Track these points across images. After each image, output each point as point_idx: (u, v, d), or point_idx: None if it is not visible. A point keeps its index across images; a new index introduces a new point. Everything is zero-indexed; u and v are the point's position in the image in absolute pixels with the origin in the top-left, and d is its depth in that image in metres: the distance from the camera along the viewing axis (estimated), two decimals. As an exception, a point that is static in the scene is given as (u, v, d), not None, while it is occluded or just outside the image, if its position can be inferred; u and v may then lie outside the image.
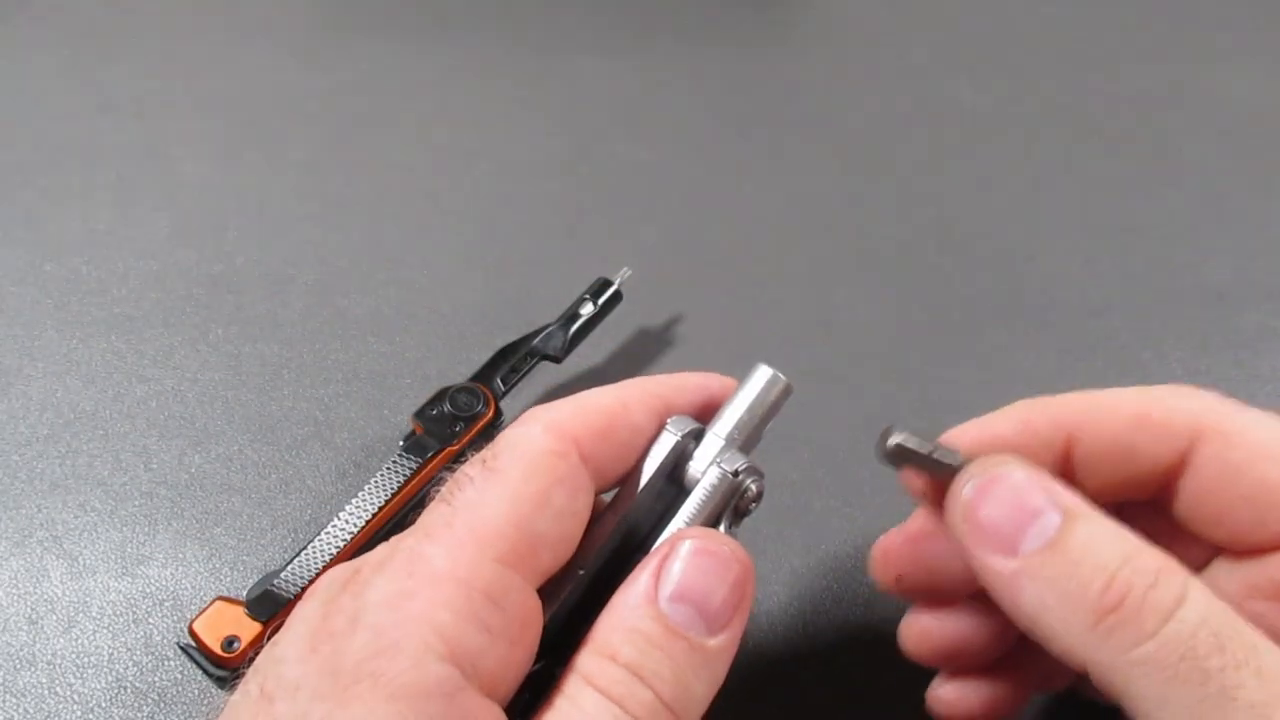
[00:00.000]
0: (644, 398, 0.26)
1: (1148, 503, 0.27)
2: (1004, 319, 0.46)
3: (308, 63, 0.56)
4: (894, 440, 0.26)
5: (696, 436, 0.27)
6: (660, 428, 0.26)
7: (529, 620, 0.23)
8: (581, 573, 0.25)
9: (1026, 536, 0.23)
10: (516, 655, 0.23)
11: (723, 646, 0.23)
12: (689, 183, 0.51)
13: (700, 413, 0.27)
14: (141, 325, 0.43)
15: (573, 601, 0.25)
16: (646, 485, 0.26)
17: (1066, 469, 0.26)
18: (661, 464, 0.26)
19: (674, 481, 0.27)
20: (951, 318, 0.46)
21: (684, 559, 0.23)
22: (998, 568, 0.23)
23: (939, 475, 0.26)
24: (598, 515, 0.26)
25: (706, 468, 0.26)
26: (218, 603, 0.33)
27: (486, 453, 0.24)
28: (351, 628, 0.22)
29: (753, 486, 0.26)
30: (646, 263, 0.44)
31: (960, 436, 0.27)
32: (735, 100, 0.56)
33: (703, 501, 0.26)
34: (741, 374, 0.28)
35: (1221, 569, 0.26)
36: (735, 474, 0.26)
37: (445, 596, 0.22)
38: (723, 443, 0.27)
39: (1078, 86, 0.58)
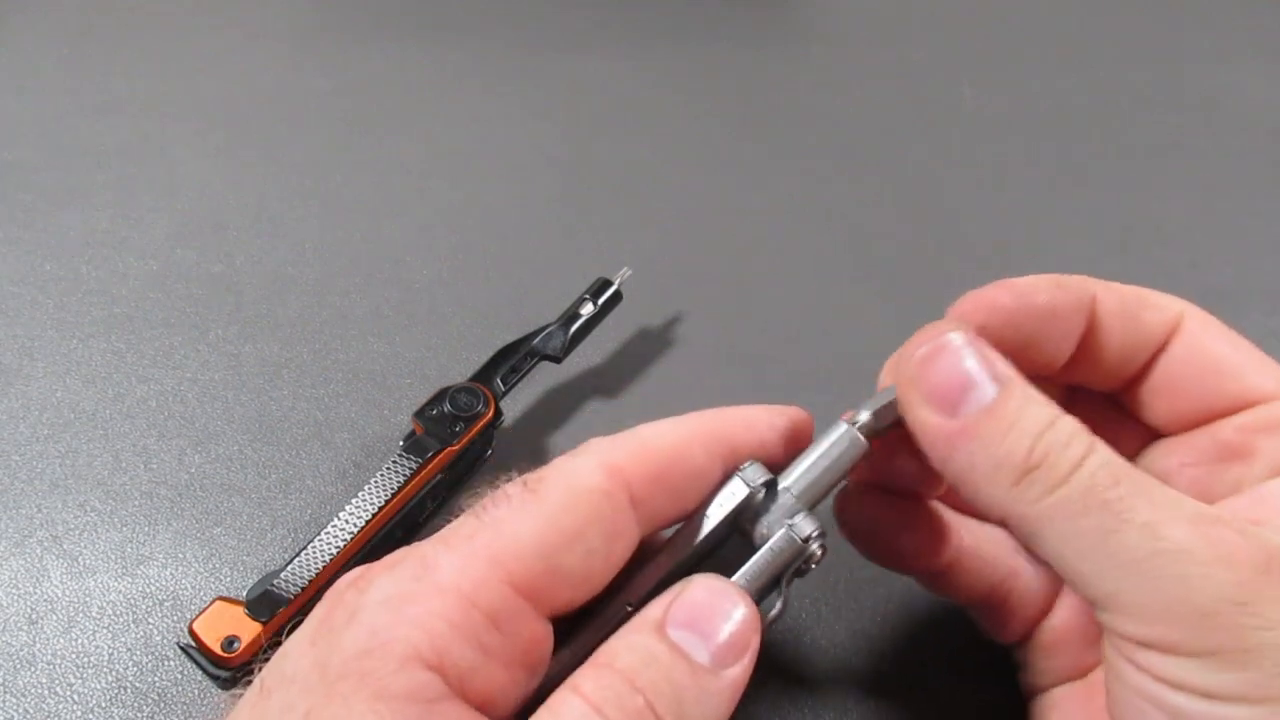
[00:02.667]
0: (708, 440, 0.26)
1: (1102, 395, 0.31)
2: (1004, 319, 0.46)
3: (307, 63, 0.56)
4: (863, 419, 0.27)
5: (768, 486, 0.26)
6: (729, 473, 0.26)
7: (532, 647, 0.23)
8: (629, 609, 0.25)
9: (967, 401, 0.25)
10: (514, 679, 0.23)
11: (726, 682, 0.23)
12: (689, 183, 0.51)
13: (767, 450, 0.27)
14: (141, 325, 0.43)
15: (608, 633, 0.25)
16: (708, 534, 0.26)
17: (1090, 324, 0.30)
18: (727, 516, 0.26)
19: (739, 529, 0.26)
20: (951, 318, 0.46)
21: (694, 593, 0.24)
22: (938, 425, 0.25)
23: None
24: (653, 551, 0.26)
25: (776, 529, 0.26)
26: (218, 603, 0.33)
27: (533, 475, 0.24)
28: (348, 623, 0.22)
29: (818, 551, 0.26)
30: (646, 263, 0.44)
31: (1009, 288, 0.30)
32: (735, 100, 0.56)
33: (768, 563, 0.25)
34: (772, 399, 0.28)
35: (1158, 450, 0.30)
36: (805, 540, 0.26)
37: (445, 607, 0.22)
38: (794, 501, 0.26)
39: (1078, 86, 0.58)
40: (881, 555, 0.31)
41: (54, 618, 0.35)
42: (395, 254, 0.47)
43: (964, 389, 0.25)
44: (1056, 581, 0.31)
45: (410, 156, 0.52)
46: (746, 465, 0.26)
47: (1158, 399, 0.29)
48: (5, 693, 0.33)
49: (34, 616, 0.35)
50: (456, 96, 0.55)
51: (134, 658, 0.34)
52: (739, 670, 0.23)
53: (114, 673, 0.34)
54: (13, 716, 0.33)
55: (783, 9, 0.63)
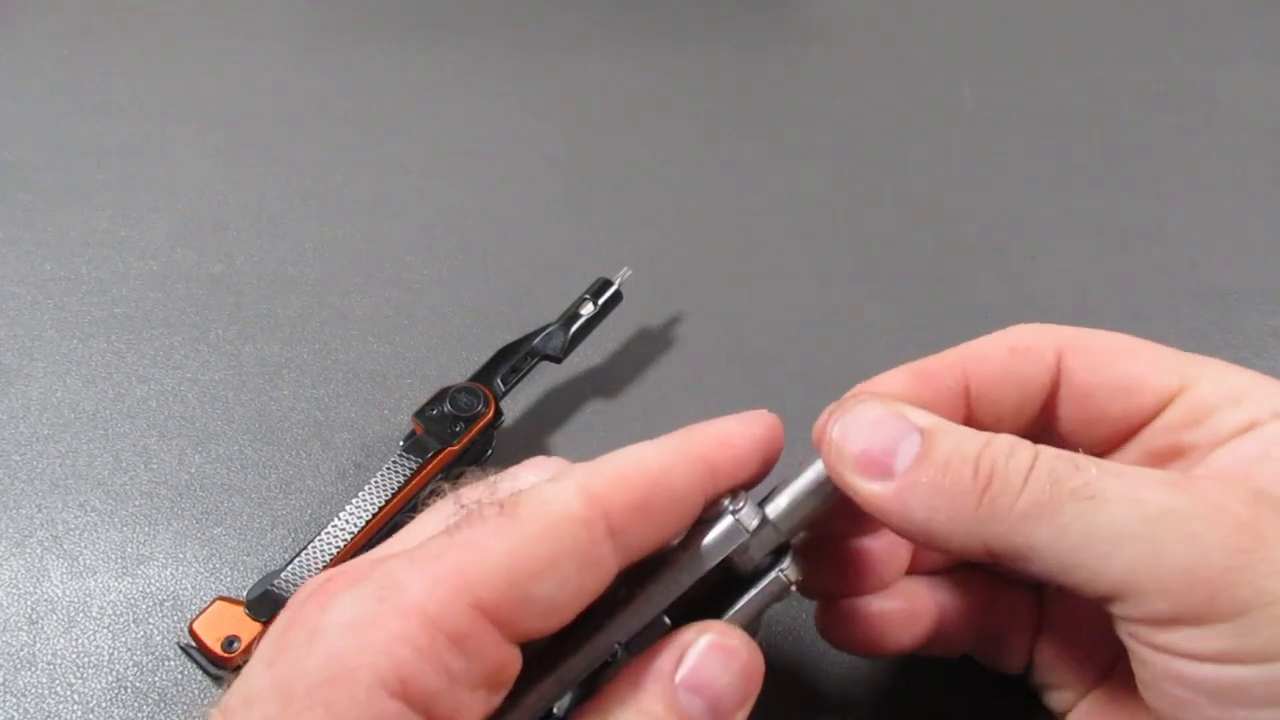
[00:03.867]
0: (688, 464, 0.25)
1: (1038, 434, 0.29)
2: (1004, 319, 0.46)
3: (307, 63, 0.56)
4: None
5: (761, 521, 0.26)
6: (717, 506, 0.26)
7: (498, 671, 0.22)
8: (619, 649, 0.25)
9: (898, 457, 0.25)
10: (479, 701, 0.22)
11: None
12: (689, 183, 0.51)
13: (742, 465, 0.26)
14: (141, 325, 0.43)
15: (593, 668, 0.25)
16: (703, 576, 0.25)
17: (969, 407, 0.28)
18: (723, 559, 0.25)
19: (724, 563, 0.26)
20: (951, 317, 0.46)
21: (702, 652, 0.24)
22: (880, 490, 0.25)
23: (820, 497, 0.27)
24: (634, 579, 0.25)
25: (765, 568, 0.26)
26: (218, 603, 0.33)
27: (510, 496, 0.23)
28: (309, 645, 0.21)
29: (795, 586, 0.26)
30: (646, 263, 0.44)
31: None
32: (735, 100, 0.56)
33: (759, 604, 0.26)
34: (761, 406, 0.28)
35: None
36: (793, 584, 0.26)
37: (410, 631, 0.21)
38: (777, 535, 0.26)
39: (1078, 86, 0.58)
40: (876, 648, 0.30)
41: (54, 618, 0.35)
42: (395, 254, 0.47)
43: (891, 447, 0.25)
44: (1034, 600, 0.31)
45: (410, 156, 0.52)
46: (740, 503, 0.25)
47: (1076, 434, 0.29)
48: (5, 693, 0.33)
49: (34, 616, 0.35)
50: (456, 96, 0.55)
51: (134, 658, 0.34)
52: None
53: (114, 673, 0.34)
54: (13, 716, 0.33)
55: (783, 9, 0.63)
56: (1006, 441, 0.24)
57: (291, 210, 0.49)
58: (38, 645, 0.34)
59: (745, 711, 0.24)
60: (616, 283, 0.41)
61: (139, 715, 0.33)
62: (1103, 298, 0.47)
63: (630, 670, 0.24)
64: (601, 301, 0.41)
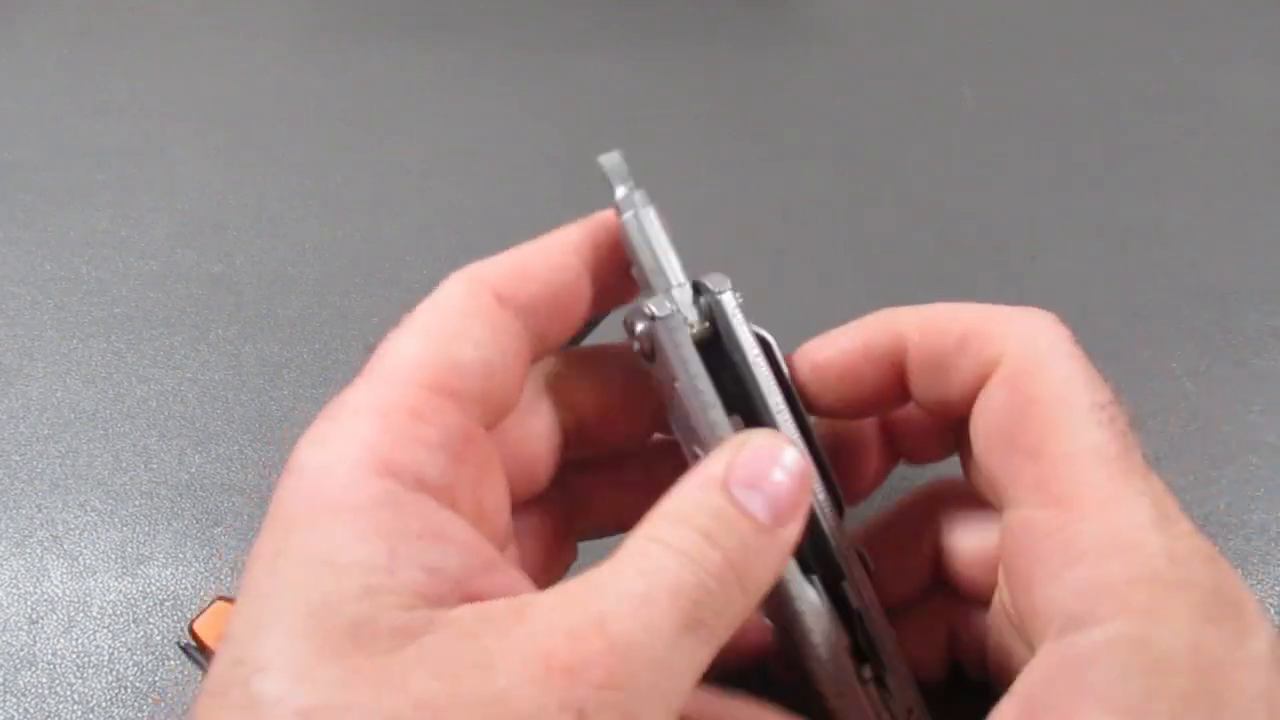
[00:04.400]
0: (565, 237, 0.28)
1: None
2: (1004, 319, 0.46)
3: (307, 63, 0.56)
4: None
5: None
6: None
7: (472, 441, 0.24)
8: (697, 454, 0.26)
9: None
10: (468, 473, 0.23)
11: (786, 539, 0.23)
12: (689, 182, 0.51)
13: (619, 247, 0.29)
14: (141, 325, 0.43)
15: None
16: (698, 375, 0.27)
17: (900, 378, 0.28)
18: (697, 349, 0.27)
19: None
20: (951, 318, 0.46)
21: (755, 452, 0.24)
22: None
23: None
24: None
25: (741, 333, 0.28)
26: (218, 603, 0.33)
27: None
28: (288, 476, 0.22)
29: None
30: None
31: (814, 353, 0.30)
32: (735, 100, 0.56)
33: (767, 377, 0.28)
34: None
35: None
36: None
37: (368, 423, 0.22)
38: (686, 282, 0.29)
39: (1078, 86, 0.58)
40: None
41: (54, 618, 0.35)
42: (395, 254, 0.47)
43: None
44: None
45: (410, 156, 0.52)
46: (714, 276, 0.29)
47: (983, 453, 0.26)
48: (5, 693, 0.33)
49: (34, 616, 0.35)
50: (456, 96, 0.55)
51: (134, 658, 0.34)
52: (795, 528, 0.24)
53: (114, 673, 0.34)
54: (13, 716, 0.33)
55: (783, 9, 0.63)
56: None
57: (291, 210, 0.49)
58: (38, 645, 0.34)
59: (798, 525, 0.24)
60: (616, 283, 0.41)
61: (139, 715, 0.33)
62: (1103, 298, 0.47)
63: (687, 478, 0.24)
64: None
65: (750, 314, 0.29)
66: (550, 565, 0.30)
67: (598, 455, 0.30)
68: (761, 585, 0.23)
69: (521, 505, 0.28)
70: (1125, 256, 0.49)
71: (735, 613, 0.22)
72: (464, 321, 0.25)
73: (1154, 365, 0.44)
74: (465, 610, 0.21)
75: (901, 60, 0.59)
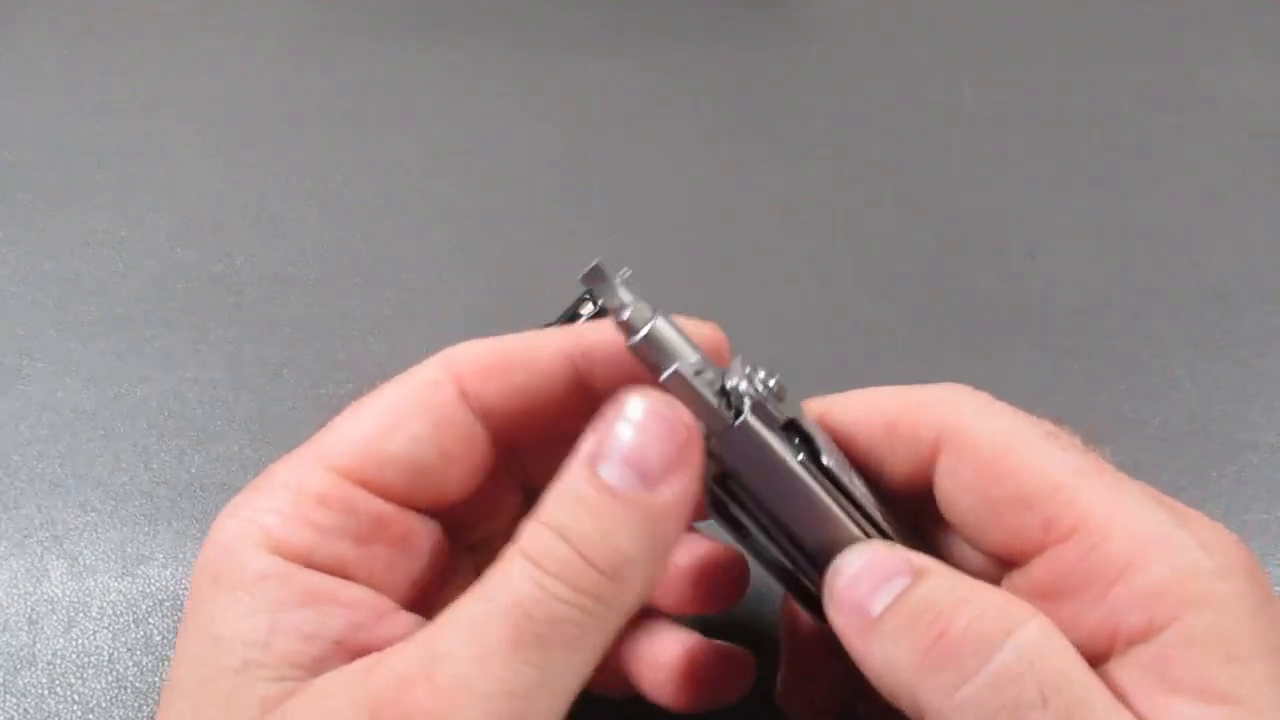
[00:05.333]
0: (555, 340, 0.27)
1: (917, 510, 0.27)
2: (1004, 319, 0.46)
3: (308, 63, 0.56)
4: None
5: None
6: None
7: (380, 527, 0.25)
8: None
9: (876, 600, 0.23)
10: (376, 553, 0.24)
11: (663, 503, 0.22)
12: (689, 183, 0.51)
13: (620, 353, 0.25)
14: (141, 325, 0.43)
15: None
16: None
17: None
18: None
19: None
20: (951, 318, 0.46)
21: (624, 417, 0.23)
22: (854, 630, 0.23)
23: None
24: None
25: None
26: (218, 603, 0.33)
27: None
28: (204, 546, 0.24)
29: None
30: (646, 263, 0.44)
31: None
32: (735, 100, 0.56)
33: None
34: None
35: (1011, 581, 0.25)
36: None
37: (274, 502, 0.24)
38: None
39: (1078, 86, 0.58)
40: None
41: (54, 618, 0.35)
42: (395, 254, 0.47)
43: (875, 588, 0.23)
44: None
45: (410, 156, 0.52)
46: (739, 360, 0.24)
47: (960, 530, 0.25)
48: (5, 693, 0.33)
49: (34, 616, 0.35)
50: (456, 96, 0.55)
51: (134, 658, 0.34)
52: (678, 487, 0.22)
53: (114, 673, 0.34)
54: (13, 716, 0.33)
55: (783, 9, 0.63)
56: (985, 601, 0.22)
57: (291, 210, 0.49)
58: (38, 645, 0.34)
59: (681, 483, 0.22)
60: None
61: (139, 715, 0.33)
62: (1103, 298, 0.47)
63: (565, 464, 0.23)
64: (601, 301, 0.40)
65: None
66: None
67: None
68: (641, 565, 0.22)
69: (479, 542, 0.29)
70: (1125, 256, 0.49)
71: (601, 603, 0.21)
72: (410, 412, 0.25)
73: (1154, 365, 0.44)
74: (326, 676, 0.22)
75: (901, 60, 0.59)
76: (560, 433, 0.25)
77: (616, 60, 0.58)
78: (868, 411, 0.26)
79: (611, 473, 0.22)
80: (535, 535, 0.22)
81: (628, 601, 0.22)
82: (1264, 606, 0.21)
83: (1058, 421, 0.25)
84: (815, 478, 0.24)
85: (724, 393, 0.24)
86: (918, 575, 0.23)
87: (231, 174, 0.50)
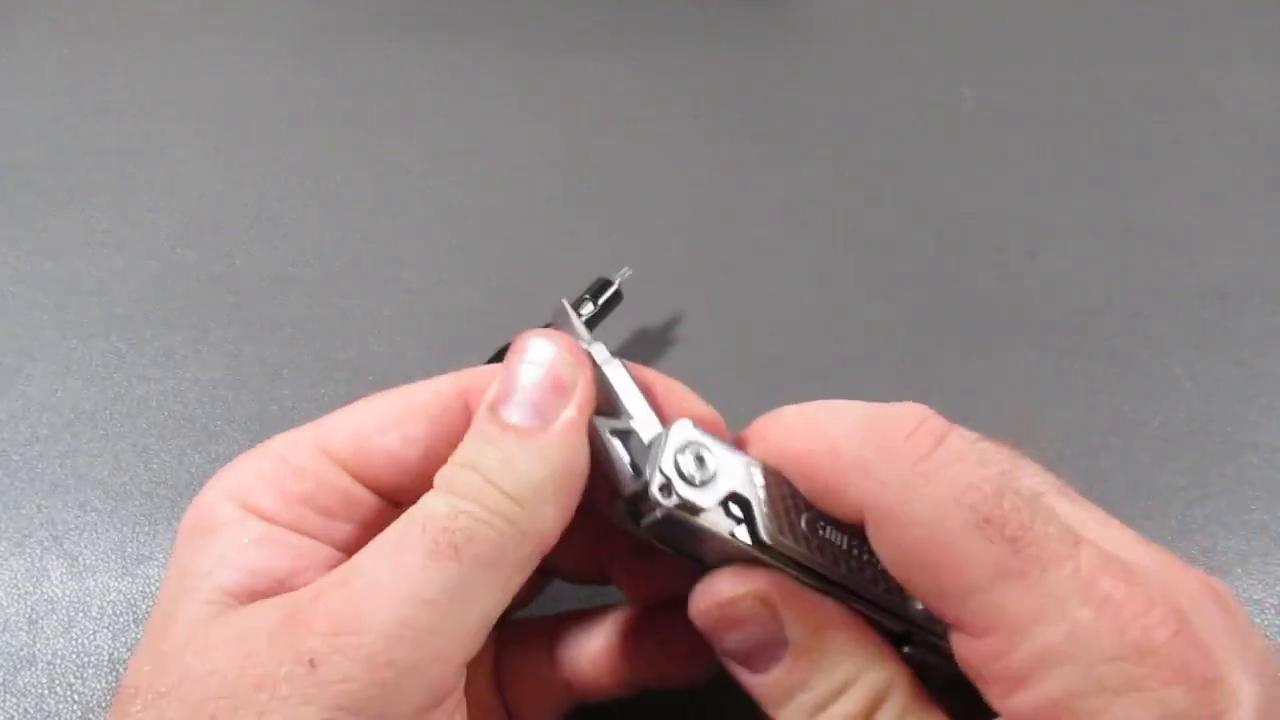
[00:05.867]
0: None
1: None
2: (1004, 319, 0.46)
3: (308, 63, 0.56)
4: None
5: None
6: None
7: (346, 505, 0.26)
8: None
9: (755, 664, 0.24)
10: (337, 529, 0.26)
11: (557, 431, 0.24)
12: (689, 183, 0.51)
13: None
14: (141, 325, 0.43)
15: None
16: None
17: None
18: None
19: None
20: (951, 318, 0.46)
21: (517, 359, 0.25)
22: (741, 677, 0.25)
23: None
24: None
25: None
26: (218, 603, 0.33)
27: None
28: (193, 499, 0.26)
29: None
30: (646, 263, 0.44)
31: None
32: (735, 100, 0.56)
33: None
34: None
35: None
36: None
37: (254, 464, 0.26)
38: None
39: (1078, 86, 0.58)
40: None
41: (54, 618, 0.35)
42: (395, 254, 0.47)
43: (754, 651, 0.24)
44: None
45: (410, 156, 0.52)
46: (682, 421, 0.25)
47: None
48: (5, 693, 0.33)
49: (34, 616, 0.35)
50: (456, 96, 0.55)
51: (134, 658, 0.34)
52: (571, 413, 0.24)
53: (114, 673, 0.34)
54: (13, 716, 0.33)
55: (783, 9, 0.63)
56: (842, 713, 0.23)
57: (291, 210, 0.49)
58: (38, 645, 0.34)
59: (572, 410, 0.25)
60: (616, 283, 0.41)
61: (139, 715, 0.33)
62: (1103, 298, 0.47)
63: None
64: (601, 301, 0.41)
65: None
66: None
67: None
68: (548, 487, 0.24)
69: None
70: (1125, 256, 0.49)
71: (510, 523, 0.23)
72: (410, 413, 0.26)
73: (1154, 365, 0.44)
74: (260, 601, 0.23)
75: (901, 60, 0.59)
76: None
77: (616, 60, 0.58)
78: (799, 465, 0.25)
79: (511, 412, 0.24)
80: (446, 471, 0.24)
81: (538, 528, 0.24)
82: (1174, 718, 0.20)
83: (1017, 449, 0.24)
84: (750, 549, 0.24)
85: (638, 470, 0.24)
86: (791, 654, 0.24)
87: (231, 174, 0.50)
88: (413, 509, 0.24)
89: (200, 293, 0.45)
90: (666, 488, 0.23)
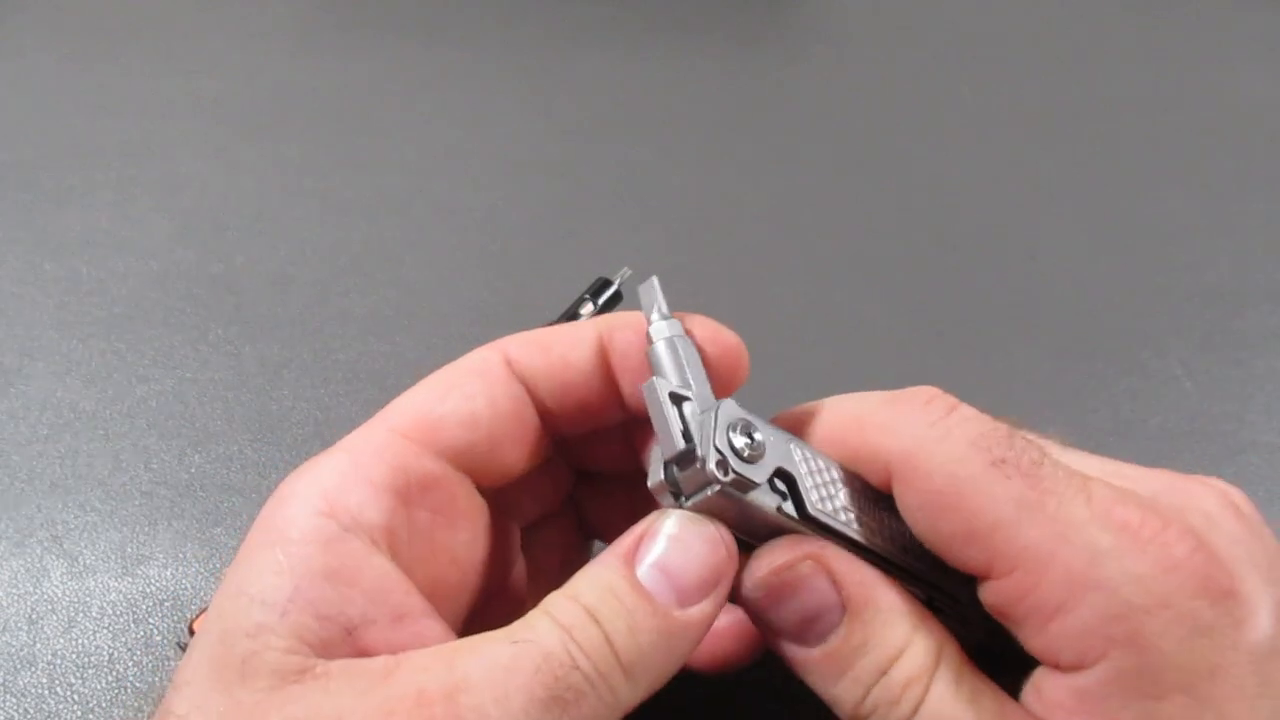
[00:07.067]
0: (588, 326, 0.28)
1: None
2: (1004, 319, 0.46)
3: (307, 63, 0.56)
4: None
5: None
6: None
7: (435, 487, 0.25)
8: None
9: (810, 635, 0.24)
10: (421, 516, 0.25)
11: (689, 621, 0.23)
12: (689, 182, 0.51)
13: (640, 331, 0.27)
14: (141, 325, 0.43)
15: None
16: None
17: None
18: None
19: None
20: (952, 317, 0.46)
21: (662, 529, 0.24)
22: (790, 652, 0.25)
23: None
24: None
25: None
26: (218, 603, 0.33)
27: None
28: (270, 498, 0.25)
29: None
30: (646, 263, 0.44)
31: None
32: (735, 100, 0.56)
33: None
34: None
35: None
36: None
37: (336, 463, 0.25)
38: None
39: (1078, 87, 0.58)
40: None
41: (54, 618, 0.35)
42: (395, 254, 0.47)
43: (809, 621, 0.24)
44: None
45: (410, 156, 0.52)
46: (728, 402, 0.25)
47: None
48: (5, 693, 0.33)
49: (34, 616, 0.35)
50: (456, 96, 0.55)
51: (134, 658, 0.34)
52: (706, 608, 0.23)
53: (114, 673, 0.34)
54: (13, 716, 0.33)
55: (783, 10, 0.63)
56: (902, 676, 0.23)
57: (291, 210, 0.49)
58: (38, 645, 0.34)
59: (710, 603, 0.24)
60: (616, 283, 0.41)
61: (139, 715, 0.33)
62: (1103, 298, 0.47)
63: (598, 556, 0.24)
64: (601, 301, 0.41)
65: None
66: (566, 572, 0.30)
67: (608, 472, 0.31)
68: (654, 670, 0.23)
69: (530, 524, 0.30)
70: (1125, 256, 0.49)
71: (612, 694, 0.22)
72: (463, 377, 0.27)
73: (1154, 365, 0.44)
74: (339, 665, 0.22)
75: (902, 60, 0.59)
76: (595, 423, 0.28)
77: (617, 60, 0.58)
78: (828, 435, 0.26)
79: (648, 576, 0.23)
80: (565, 608, 0.23)
81: (632, 700, 0.23)
82: (1204, 630, 0.21)
83: (1016, 423, 0.25)
84: (797, 523, 0.24)
85: (689, 438, 0.24)
86: (850, 614, 0.24)
87: (231, 174, 0.50)
88: (521, 629, 0.22)
89: (200, 293, 0.45)
90: (722, 464, 0.23)
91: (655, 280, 0.27)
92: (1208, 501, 0.23)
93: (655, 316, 0.26)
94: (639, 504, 0.30)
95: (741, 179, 0.52)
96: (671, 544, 0.23)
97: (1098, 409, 0.43)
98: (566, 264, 0.46)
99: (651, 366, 0.26)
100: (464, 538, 0.26)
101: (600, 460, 0.30)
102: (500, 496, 0.28)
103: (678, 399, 0.24)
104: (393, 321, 0.44)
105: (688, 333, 0.26)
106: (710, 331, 0.27)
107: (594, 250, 0.47)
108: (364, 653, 0.23)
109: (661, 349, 0.26)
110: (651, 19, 0.61)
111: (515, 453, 0.27)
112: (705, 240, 0.49)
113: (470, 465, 0.26)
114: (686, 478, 0.24)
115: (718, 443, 0.24)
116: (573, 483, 0.31)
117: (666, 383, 0.25)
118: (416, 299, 0.45)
